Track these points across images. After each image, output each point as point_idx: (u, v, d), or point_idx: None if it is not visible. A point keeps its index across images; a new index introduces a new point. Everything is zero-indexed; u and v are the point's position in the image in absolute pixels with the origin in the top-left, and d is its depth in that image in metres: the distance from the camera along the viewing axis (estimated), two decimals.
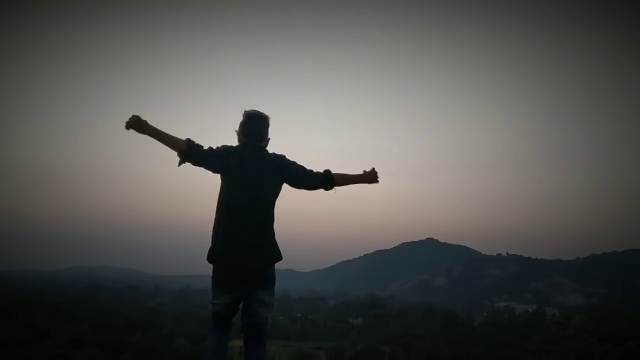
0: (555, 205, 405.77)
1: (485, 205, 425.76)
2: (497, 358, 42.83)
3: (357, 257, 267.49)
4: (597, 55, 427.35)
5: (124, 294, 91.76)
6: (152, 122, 3.36)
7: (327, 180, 3.61)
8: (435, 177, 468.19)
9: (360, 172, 3.74)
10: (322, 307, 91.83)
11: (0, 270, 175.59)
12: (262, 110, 3.65)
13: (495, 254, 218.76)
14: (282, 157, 3.57)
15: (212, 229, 3.51)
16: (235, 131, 3.63)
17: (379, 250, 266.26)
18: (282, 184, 3.56)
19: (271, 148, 3.65)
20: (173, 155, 3.41)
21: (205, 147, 3.40)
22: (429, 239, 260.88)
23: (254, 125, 3.58)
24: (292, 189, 3.65)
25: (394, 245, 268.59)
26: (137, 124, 3.28)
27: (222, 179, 3.48)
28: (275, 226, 3.58)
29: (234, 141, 3.66)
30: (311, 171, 3.59)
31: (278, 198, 3.58)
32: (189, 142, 3.35)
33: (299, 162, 3.60)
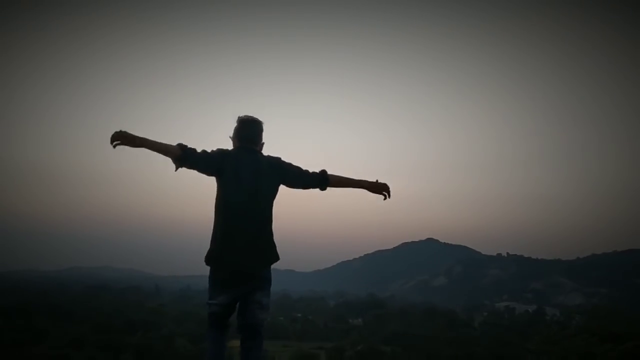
0: (556, 205, 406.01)
1: (485, 205, 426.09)
2: (497, 358, 42.75)
3: (357, 257, 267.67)
4: (597, 55, 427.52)
5: (125, 294, 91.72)
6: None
7: (322, 181, 3.61)
8: (436, 177, 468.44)
9: (369, 179, 3.69)
10: (322, 307, 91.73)
11: (1, 271, 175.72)
12: (259, 112, 3.68)
13: (495, 254, 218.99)
14: (278, 159, 3.59)
15: (211, 232, 3.51)
16: (230, 137, 3.63)
17: (379, 250, 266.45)
18: (279, 185, 3.55)
19: (269, 150, 3.67)
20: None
21: (199, 150, 3.39)
22: (429, 239, 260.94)
23: (248, 130, 3.60)
24: (289, 189, 3.65)
25: (394, 245, 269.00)
26: (124, 139, 3.20)
27: (217, 181, 3.48)
28: (273, 227, 3.56)
29: (230, 145, 3.66)
30: (307, 171, 3.60)
31: (276, 199, 3.58)
32: (181, 146, 3.32)
33: (294, 163, 3.61)
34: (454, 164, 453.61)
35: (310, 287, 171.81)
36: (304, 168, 3.62)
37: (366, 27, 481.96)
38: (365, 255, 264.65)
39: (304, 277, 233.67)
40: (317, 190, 3.69)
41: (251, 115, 3.65)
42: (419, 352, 44.79)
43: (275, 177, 3.53)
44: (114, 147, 3.20)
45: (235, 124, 3.63)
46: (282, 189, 3.62)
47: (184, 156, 3.31)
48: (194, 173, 3.44)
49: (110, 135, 3.21)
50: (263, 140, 3.64)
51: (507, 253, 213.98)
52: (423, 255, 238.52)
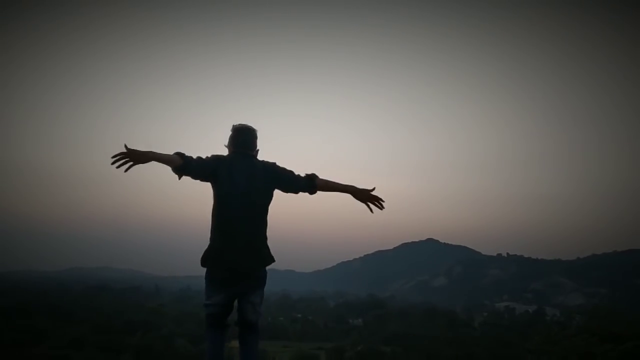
0: (556, 205, 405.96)
1: (485, 205, 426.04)
2: (497, 358, 42.72)
3: (357, 257, 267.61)
4: (597, 55, 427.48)
5: (125, 295, 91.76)
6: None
7: (311, 186, 3.65)
8: (436, 177, 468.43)
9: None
10: (322, 308, 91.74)
11: (1, 271, 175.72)
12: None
13: (495, 254, 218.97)
14: (273, 164, 3.66)
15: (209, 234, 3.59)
16: (225, 145, 3.71)
17: (379, 251, 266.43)
18: (273, 189, 3.62)
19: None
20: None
21: (195, 157, 3.47)
22: (429, 239, 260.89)
23: (243, 137, 3.69)
24: (284, 194, 3.72)
25: (394, 246, 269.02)
26: (136, 158, 3.25)
27: (213, 186, 3.56)
28: (268, 231, 3.64)
29: (225, 152, 3.74)
30: (299, 176, 3.65)
31: (275, 201, 3.66)
32: (181, 155, 3.40)
33: (287, 168, 3.68)
34: (454, 164, 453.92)
35: (310, 287, 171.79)
36: (296, 173, 3.66)
37: (368, 27, 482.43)
38: (365, 255, 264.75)
39: (304, 278, 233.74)
40: (318, 192, 3.73)
41: (245, 123, 3.75)
42: (419, 353, 44.76)
43: (270, 182, 3.60)
44: (126, 170, 3.25)
45: (230, 133, 3.73)
46: (278, 193, 3.68)
47: (184, 165, 3.39)
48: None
49: (115, 152, 3.24)
50: (258, 147, 3.74)
51: (507, 253, 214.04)
52: (423, 255, 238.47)
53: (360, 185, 3.75)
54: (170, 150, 3.43)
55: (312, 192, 3.68)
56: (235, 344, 3.79)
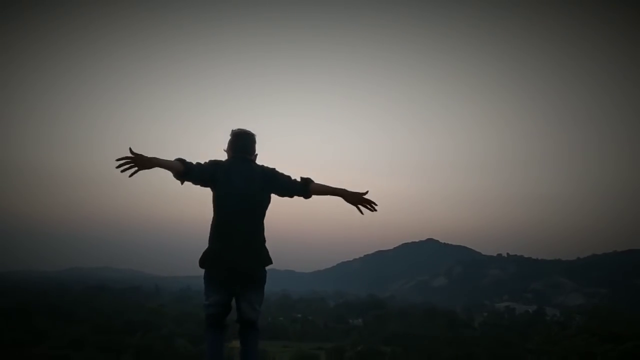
0: (556, 205, 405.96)
1: (485, 205, 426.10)
2: (497, 358, 42.73)
3: (357, 257, 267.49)
4: (597, 55, 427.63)
5: (125, 295, 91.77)
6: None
7: (305, 190, 3.69)
8: (436, 177, 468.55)
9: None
10: (322, 308, 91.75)
11: (1, 271, 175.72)
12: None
13: (495, 254, 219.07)
14: (273, 170, 3.72)
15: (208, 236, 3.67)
16: (224, 150, 3.78)
17: (379, 251, 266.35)
18: (270, 194, 3.69)
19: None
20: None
21: (195, 163, 3.54)
22: (429, 239, 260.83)
23: (242, 141, 3.76)
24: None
25: (394, 246, 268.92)
26: (141, 163, 3.32)
27: (212, 190, 3.63)
28: (268, 232, 3.72)
29: (224, 155, 3.80)
30: (295, 180, 3.70)
31: (274, 203, 3.73)
32: (182, 161, 3.48)
33: (286, 173, 3.73)
34: (454, 164, 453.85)
35: (310, 287, 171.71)
36: (292, 178, 3.71)
37: (368, 27, 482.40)
38: (365, 255, 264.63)
39: (304, 278, 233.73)
40: (304, 198, 3.78)
41: (244, 128, 3.81)
42: (419, 353, 44.78)
43: (268, 186, 3.66)
44: (130, 175, 3.33)
45: (229, 137, 3.79)
46: (276, 197, 3.75)
47: (185, 171, 3.47)
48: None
49: (115, 153, 3.29)
50: (256, 152, 3.81)
51: (507, 253, 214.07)
52: (423, 255, 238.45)
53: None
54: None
55: (306, 196, 3.71)
56: (235, 344, 3.83)
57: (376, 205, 3.71)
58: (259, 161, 3.83)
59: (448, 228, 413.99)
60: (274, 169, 3.72)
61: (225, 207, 3.57)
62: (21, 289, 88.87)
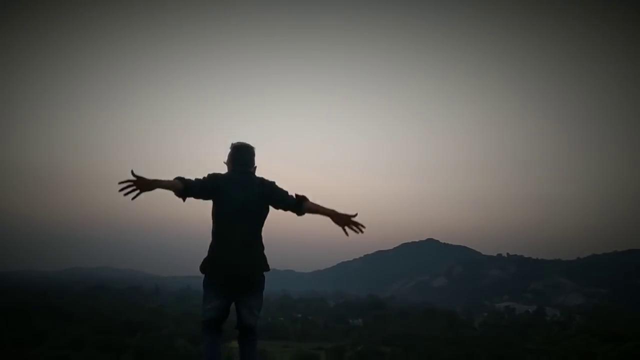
0: (556, 205, 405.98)
1: (485, 205, 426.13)
2: (497, 358, 42.72)
3: (357, 257, 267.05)
4: (597, 55, 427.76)
5: (125, 295, 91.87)
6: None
7: (298, 206, 3.78)
8: (436, 177, 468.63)
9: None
10: (322, 308, 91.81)
11: (1, 271, 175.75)
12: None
13: (495, 254, 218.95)
14: (272, 183, 3.82)
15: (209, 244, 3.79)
16: (224, 162, 3.89)
17: (379, 251, 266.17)
18: (269, 206, 3.79)
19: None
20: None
21: (194, 180, 3.65)
22: (429, 239, 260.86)
23: (241, 154, 3.87)
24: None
25: (394, 246, 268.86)
26: (142, 186, 3.42)
27: (213, 201, 3.74)
28: (269, 235, 3.84)
29: (224, 155, 3.90)
30: (291, 196, 3.80)
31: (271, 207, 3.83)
32: (181, 180, 3.57)
33: (284, 188, 3.82)
34: (454, 164, 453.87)
35: (311, 287, 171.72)
36: (289, 193, 3.81)
37: (368, 27, 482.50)
38: (365, 255, 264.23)
39: (304, 278, 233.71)
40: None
41: (244, 141, 3.92)
42: (419, 353, 44.79)
43: (265, 198, 3.76)
44: (133, 199, 3.43)
45: (229, 150, 3.89)
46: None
47: (185, 189, 3.58)
48: (191, 174, 3.57)
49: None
50: (256, 164, 3.90)
51: (507, 253, 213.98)
52: (423, 255, 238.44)
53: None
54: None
55: (299, 213, 3.80)
56: (235, 344, 3.85)
57: (364, 227, 3.80)
58: (261, 167, 3.92)
59: (448, 228, 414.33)
60: (274, 182, 3.83)
61: (225, 217, 3.68)
62: (21, 289, 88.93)
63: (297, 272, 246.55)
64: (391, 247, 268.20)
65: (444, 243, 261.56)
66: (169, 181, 3.54)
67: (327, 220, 3.80)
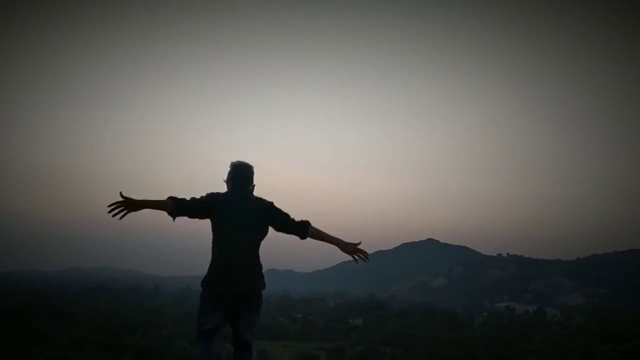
0: (556, 205, 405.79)
1: (485, 205, 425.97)
2: (497, 358, 42.75)
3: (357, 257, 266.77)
4: (597, 55, 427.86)
5: (125, 295, 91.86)
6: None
7: (304, 232, 3.95)
8: (436, 177, 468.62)
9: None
10: (322, 308, 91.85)
11: (1, 271, 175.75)
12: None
13: (495, 254, 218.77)
14: (271, 203, 3.92)
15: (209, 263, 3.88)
16: (224, 181, 3.94)
17: (379, 251, 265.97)
18: (268, 225, 3.89)
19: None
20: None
21: (188, 199, 3.74)
22: (429, 239, 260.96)
23: (240, 173, 3.92)
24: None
25: (394, 246, 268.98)
26: (130, 206, 3.57)
27: (212, 221, 3.81)
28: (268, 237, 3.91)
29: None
30: (293, 220, 3.93)
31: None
32: (173, 199, 3.69)
33: (284, 210, 3.92)
34: (454, 165, 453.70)
35: (311, 287, 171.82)
36: (291, 216, 3.93)
37: (368, 26, 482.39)
38: (366, 252, 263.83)
39: (304, 278, 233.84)
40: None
41: (243, 160, 3.99)
42: (419, 353, 44.81)
43: (265, 218, 3.86)
44: (120, 218, 3.55)
45: (228, 169, 3.94)
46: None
47: (176, 209, 3.68)
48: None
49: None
50: (254, 183, 3.96)
51: (507, 253, 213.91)
52: (423, 255, 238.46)
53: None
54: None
55: (303, 237, 3.96)
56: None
57: (368, 255, 4.10)
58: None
59: (448, 228, 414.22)
60: (272, 203, 3.91)
61: (224, 237, 3.76)
62: (21, 289, 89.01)
63: (297, 272, 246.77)
64: (391, 247, 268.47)
65: (444, 243, 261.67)
66: (158, 201, 3.66)
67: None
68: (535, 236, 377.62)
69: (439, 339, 49.46)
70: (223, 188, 3.92)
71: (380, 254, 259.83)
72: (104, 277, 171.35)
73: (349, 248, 4.03)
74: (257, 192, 3.97)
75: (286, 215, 3.91)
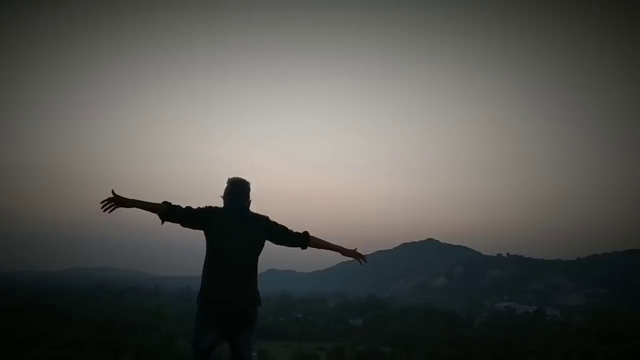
0: (556, 205, 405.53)
1: (485, 205, 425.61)
2: (497, 358, 42.76)
3: None
4: (598, 55, 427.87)
5: (125, 295, 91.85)
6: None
7: (304, 242, 4.03)
8: (436, 177, 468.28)
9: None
10: (322, 308, 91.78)
11: (0, 272, 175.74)
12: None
13: (495, 254, 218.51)
14: (266, 218, 3.95)
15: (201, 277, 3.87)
16: (221, 196, 3.95)
17: (379, 251, 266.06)
18: (264, 240, 3.90)
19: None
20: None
21: (184, 207, 3.77)
22: (430, 240, 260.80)
23: (237, 189, 3.93)
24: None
25: (395, 246, 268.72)
26: (118, 203, 3.70)
27: (206, 235, 3.82)
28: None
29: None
30: (291, 231, 3.99)
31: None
32: (166, 204, 3.74)
33: (279, 222, 3.97)
34: (454, 165, 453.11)
35: (311, 287, 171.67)
36: (288, 228, 3.99)
37: (368, 26, 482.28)
38: (365, 255, 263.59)
39: (304, 278, 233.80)
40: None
41: (240, 176, 4.00)
42: (419, 353, 44.83)
43: (261, 233, 3.88)
44: (109, 212, 3.70)
45: (225, 185, 3.96)
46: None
47: (167, 214, 3.74)
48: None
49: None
50: (250, 198, 3.96)
51: (507, 253, 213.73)
52: (423, 255, 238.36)
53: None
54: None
55: (303, 248, 4.04)
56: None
57: (365, 259, 4.43)
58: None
59: (448, 228, 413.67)
60: (267, 217, 3.95)
61: (219, 252, 3.75)
62: (21, 289, 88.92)
63: (297, 272, 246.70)
64: (391, 247, 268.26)
65: (444, 243, 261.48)
66: (151, 204, 3.71)
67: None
68: (535, 236, 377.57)
69: (439, 339, 49.46)
70: (223, 186, 3.92)
71: (380, 254, 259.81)
72: (104, 277, 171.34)
73: (350, 254, 4.26)
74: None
75: (283, 228, 3.96)
